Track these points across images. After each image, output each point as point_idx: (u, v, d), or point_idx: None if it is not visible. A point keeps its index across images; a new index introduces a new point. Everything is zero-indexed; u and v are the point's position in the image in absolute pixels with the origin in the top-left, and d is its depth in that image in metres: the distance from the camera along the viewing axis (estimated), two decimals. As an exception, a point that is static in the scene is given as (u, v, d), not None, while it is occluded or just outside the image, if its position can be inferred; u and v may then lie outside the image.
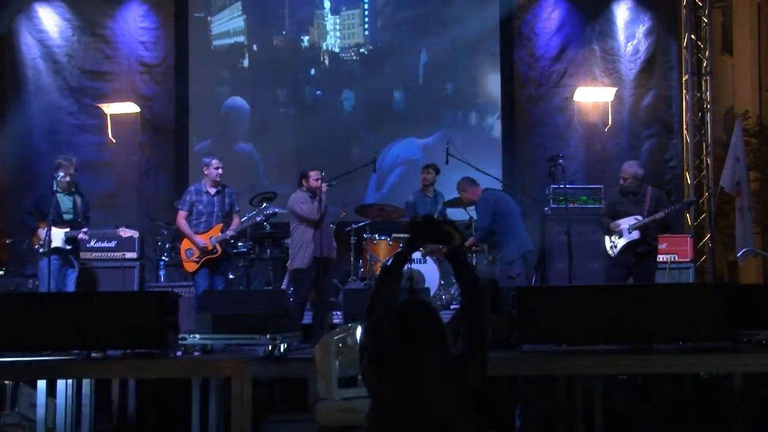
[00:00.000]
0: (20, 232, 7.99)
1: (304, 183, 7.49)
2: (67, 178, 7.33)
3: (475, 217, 8.19)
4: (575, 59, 10.37)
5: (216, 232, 7.40)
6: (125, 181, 10.29)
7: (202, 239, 7.37)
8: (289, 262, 8.61)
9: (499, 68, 10.51)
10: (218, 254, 7.40)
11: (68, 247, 7.31)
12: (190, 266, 7.49)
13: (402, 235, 8.66)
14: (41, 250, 7.19)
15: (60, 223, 7.26)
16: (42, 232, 7.18)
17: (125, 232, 7.65)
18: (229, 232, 7.42)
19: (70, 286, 7.40)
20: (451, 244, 3.12)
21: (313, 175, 7.44)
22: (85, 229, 7.37)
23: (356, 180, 9.91)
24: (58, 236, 7.23)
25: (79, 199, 7.49)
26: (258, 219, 7.79)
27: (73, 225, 7.35)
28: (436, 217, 8.27)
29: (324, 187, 7.36)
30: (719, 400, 5.60)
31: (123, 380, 5.85)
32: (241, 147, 10.58)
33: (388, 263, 3.15)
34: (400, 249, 3.18)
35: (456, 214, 8.76)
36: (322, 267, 7.20)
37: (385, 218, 8.91)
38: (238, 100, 10.65)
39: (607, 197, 7.90)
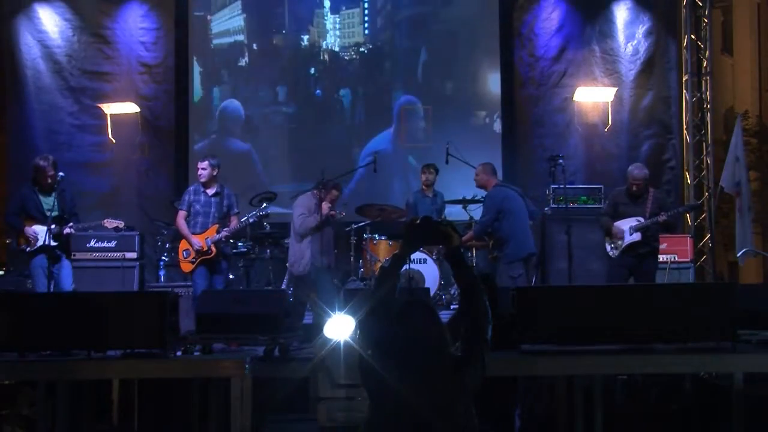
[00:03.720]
0: (9, 233, 7.95)
1: (317, 192, 7.53)
2: (48, 180, 7.26)
3: (475, 218, 8.19)
4: (575, 59, 10.38)
5: (212, 233, 7.41)
6: (125, 181, 10.29)
7: (197, 240, 7.37)
8: (289, 262, 8.63)
9: (499, 68, 10.52)
10: (213, 255, 7.40)
11: (55, 244, 7.25)
12: (186, 266, 7.51)
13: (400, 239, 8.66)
14: (28, 250, 7.17)
15: (43, 221, 7.22)
16: (29, 231, 7.16)
17: (110, 223, 7.50)
18: (224, 233, 7.42)
19: (66, 283, 7.33)
20: (449, 245, 3.11)
21: (332, 194, 7.53)
22: (70, 224, 7.30)
23: (357, 179, 9.93)
24: (42, 234, 7.18)
25: (62, 196, 7.34)
26: (251, 220, 7.79)
27: (58, 222, 7.29)
28: (435, 217, 8.37)
29: (325, 208, 7.45)
30: (719, 400, 5.59)
31: (123, 380, 5.84)
32: (240, 146, 10.59)
33: (387, 264, 3.14)
34: (398, 251, 3.16)
35: (455, 213, 8.78)
36: (323, 272, 7.25)
37: (385, 218, 8.91)
38: (233, 103, 10.64)
39: (609, 197, 7.88)
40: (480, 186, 7.77)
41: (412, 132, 10.58)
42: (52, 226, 7.17)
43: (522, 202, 7.59)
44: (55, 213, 7.19)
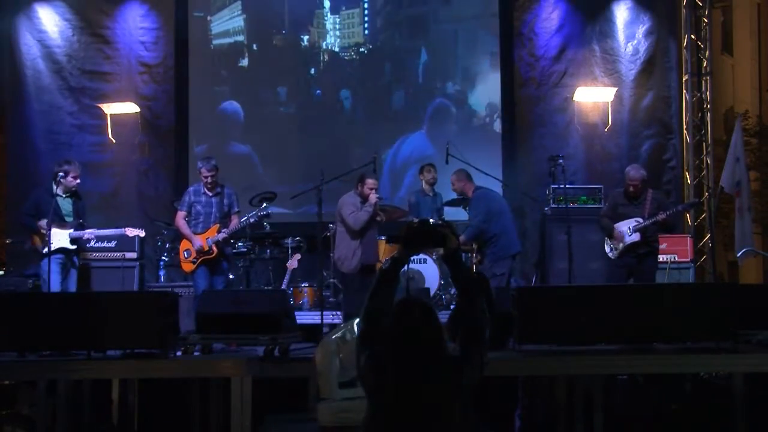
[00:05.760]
0: (21, 233, 8.01)
1: (359, 187, 7.50)
2: (77, 181, 7.37)
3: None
4: (575, 59, 10.36)
5: (213, 233, 7.42)
6: (125, 181, 10.29)
7: (198, 240, 7.39)
8: (289, 261, 8.64)
9: (499, 68, 10.51)
10: (214, 255, 7.41)
11: (73, 247, 7.35)
12: (187, 266, 7.52)
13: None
14: (44, 250, 7.22)
15: (61, 224, 7.29)
16: (45, 233, 7.22)
17: (131, 232, 7.69)
18: (223, 234, 7.42)
19: (72, 286, 7.42)
20: (447, 247, 3.11)
21: (369, 183, 7.45)
22: (90, 230, 7.41)
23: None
24: (61, 237, 7.25)
25: (78, 202, 7.54)
26: (252, 220, 7.79)
27: (75, 226, 7.39)
28: (436, 216, 8.37)
29: (374, 198, 7.39)
30: (719, 400, 5.60)
31: (123, 380, 5.84)
32: (240, 147, 10.58)
33: (386, 267, 3.14)
34: (396, 253, 3.16)
35: (455, 213, 8.78)
36: (367, 273, 7.28)
37: (386, 218, 8.89)
38: (233, 105, 10.63)
39: (609, 198, 7.90)
40: (459, 193, 7.87)
41: (445, 134, 10.31)
42: (71, 230, 7.26)
43: (505, 201, 7.84)
44: (71, 218, 7.33)
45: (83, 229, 7.41)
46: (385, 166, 10.35)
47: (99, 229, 7.65)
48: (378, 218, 7.57)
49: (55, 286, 7.14)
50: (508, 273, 7.57)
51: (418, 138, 10.52)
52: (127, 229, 7.66)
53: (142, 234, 7.89)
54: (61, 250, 7.25)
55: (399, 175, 10.40)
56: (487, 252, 7.59)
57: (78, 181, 7.43)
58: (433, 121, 10.52)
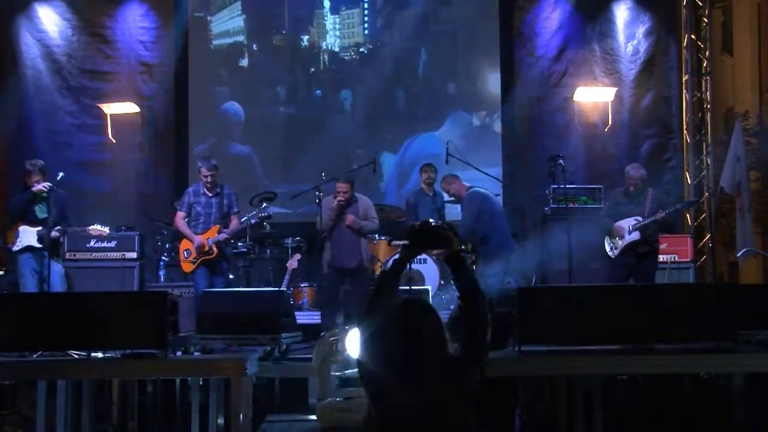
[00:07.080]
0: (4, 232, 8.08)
1: None
2: (40, 185, 7.37)
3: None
4: (575, 59, 10.38)
5: (213, 233, 7.43)
6: (125, 181, 10.30)
7: (199, 237, 7.40)
8: (289, 261, 8.65)
9: (499, 68, 10.51)
10: (214, 255, 7.42)
11: (39, 246, 7.34)
12: (187, 266, 7.53)
13: (401, 242, 8.64)
14: (14, 249, 7.30)
15: (32, 222, 7.31)
16: (17, 231, 7.30)
17: (95, 231, 7.67)
18: (223, 235, 7.42)
19: (54, 284, 7.42)
20: (450, 249, 3.11)
21: (337, 186, 7.53)
22: (58, 227, 7.39)
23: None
24: (30, 235, 7.27)
25: (52, 199, 7.46)
26: (253, 221, 7.80)
27: (46, 224, 7.37)
28: (436, 216, 8.37)
29: (335, 202, 7.42)
30: (719, 400, 5.59)
31: (123, 380, 5.84)
32: (240, 147, 10.59)
33: (387, 269, 3.14)
34: (398, 255, 3.17)
35: (456, 214, 8.77)
36: (336, 275, 7.27)
37: (385, 218, 8.90)
38: (234, 106, 10.63)
39: (609, 198, 7.91)
40: (456, 196, 7.84)
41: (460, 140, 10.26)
42: (39, 228, 7.27)
43: (497, 200, 7.92)
44: (44, 215, 7.34)
45: (52, 228, 7.39)
46: (393, 165, 10.36)
47: (68, 227, 7.64)
48: (350, 223, 7.55)
49: (29, 286, 7.18)
50: (502, 272, 7.58)
51: (429, 138, 10.48)
52: (90, 228, 7.65)
53: (106, 232, 7.89)
54: (29, 249, 7.27)
55: (407, 175, 10.36)
56: (480, 252, 7.61)
57: (39, 185, 7.37)
58: (452, 129, 10.42)
